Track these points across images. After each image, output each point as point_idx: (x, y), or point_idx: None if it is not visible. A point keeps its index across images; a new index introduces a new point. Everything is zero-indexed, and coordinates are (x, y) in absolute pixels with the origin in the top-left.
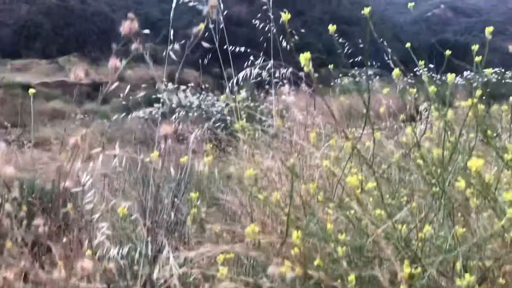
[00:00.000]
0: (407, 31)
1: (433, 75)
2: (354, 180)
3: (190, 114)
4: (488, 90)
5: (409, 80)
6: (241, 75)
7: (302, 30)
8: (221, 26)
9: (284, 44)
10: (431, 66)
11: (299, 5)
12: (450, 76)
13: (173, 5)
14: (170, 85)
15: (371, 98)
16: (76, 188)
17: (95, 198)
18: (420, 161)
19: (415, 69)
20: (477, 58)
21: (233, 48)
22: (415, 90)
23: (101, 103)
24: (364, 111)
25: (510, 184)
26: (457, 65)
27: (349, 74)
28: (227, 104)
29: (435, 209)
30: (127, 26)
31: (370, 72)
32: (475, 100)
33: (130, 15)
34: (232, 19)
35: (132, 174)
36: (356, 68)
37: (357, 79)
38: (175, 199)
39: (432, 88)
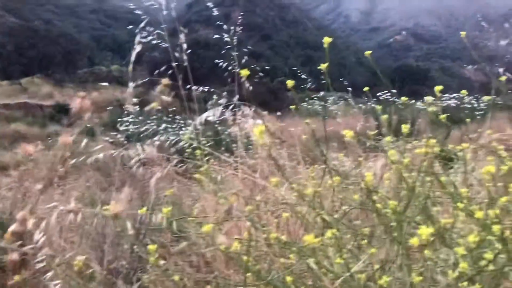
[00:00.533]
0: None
1: (395, 100)
2: (311, 238)
3: (156, 138)
4: (448, 114)
5: (372, 105)
6: (204, 116)
7: (267, 67)
8: (185, 64)
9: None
10: (394, 91)
11: (267, 29)
12: (405, 127)
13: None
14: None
15: (335, 123)
16: (28, 247)
17: (48, 256)
18: (379, 205)
19: (378, 94)
20: (430, 108)
21: (197, 88)
22: (375, 132)
23: (65, 125)
24: (333, 136)
25: (466, 224)
26: (419, 89)
27: (315, 98)
28: (190, 144)
29: (394, 253)
30: (78, 103)
31: (334, 96)
32: (429, 149)
33: (81, 93)
34: (199, 42)
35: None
36: (321, 92)
37: (322, 103)
38: (134, 247)
39: (391, 152)
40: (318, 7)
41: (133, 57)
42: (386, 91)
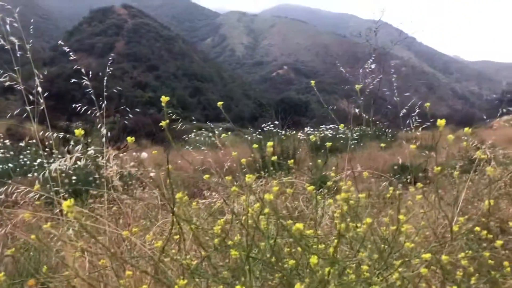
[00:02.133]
0: (255, 89)
1: (278, 130)
2: None
3: (30, 175)
4: (325, 144)
5: (258, 136)
6: (54, 166)
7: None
8: (42, 107)
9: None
10: (277, 122)
11: (153, 60)
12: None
13: None
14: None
15: (223, 153)
16: None
17: None
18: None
19: (262, 125)
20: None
21: (51, 133)
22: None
23: None
24: (217, 168)
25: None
26: (300, 120)
27: (203, 130)
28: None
29: None
30: None
31: (222, 127)
32: (270, 196)
33: None
34: (80, 72)
35: None
36: (208, 122)
37: (210, 134)
38: None
39: (242, 198)
40: (204, 41)
41: None
42: (270, 122)
